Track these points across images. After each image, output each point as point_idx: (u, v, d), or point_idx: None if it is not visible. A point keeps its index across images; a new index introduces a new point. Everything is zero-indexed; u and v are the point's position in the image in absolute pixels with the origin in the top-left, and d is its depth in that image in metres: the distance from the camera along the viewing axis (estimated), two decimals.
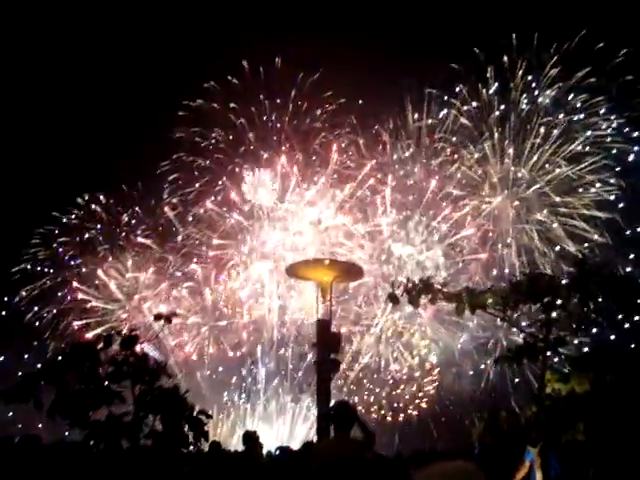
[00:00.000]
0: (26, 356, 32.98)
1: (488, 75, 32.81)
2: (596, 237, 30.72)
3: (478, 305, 16.19)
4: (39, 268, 34.88)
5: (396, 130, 34.15)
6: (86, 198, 35.09)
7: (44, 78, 32.57)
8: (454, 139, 33.54)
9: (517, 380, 25.30)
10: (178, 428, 8.81)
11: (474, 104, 33.03)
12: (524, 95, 32.75)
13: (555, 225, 31.69)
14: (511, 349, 16.18)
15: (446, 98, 33.61)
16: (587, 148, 32.17)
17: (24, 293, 34.41)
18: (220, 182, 35.14)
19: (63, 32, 33.08)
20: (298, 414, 31.84)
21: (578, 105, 32.11)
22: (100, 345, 9.04)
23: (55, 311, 34.62)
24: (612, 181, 31.54)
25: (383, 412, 32.60)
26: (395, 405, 33.14)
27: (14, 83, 32.40)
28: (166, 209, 34.64)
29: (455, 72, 32.64)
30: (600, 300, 15.09)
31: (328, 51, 32.21)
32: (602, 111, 31.89)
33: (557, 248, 31.56)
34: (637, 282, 15.31)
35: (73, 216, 35.21)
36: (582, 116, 32.09)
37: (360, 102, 34.26)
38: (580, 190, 31.91)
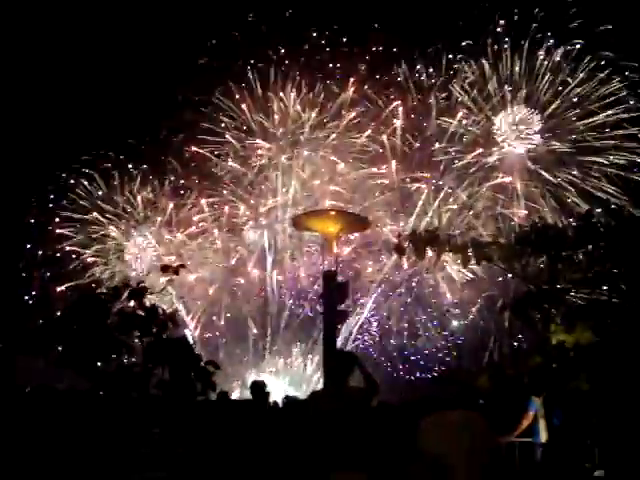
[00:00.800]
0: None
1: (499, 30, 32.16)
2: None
3: (484, 257, 16.21)
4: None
5: (407, 83, 33.67)
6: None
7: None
8: (464, 96, 33.04)
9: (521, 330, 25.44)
10: (186, 378, 8.91)
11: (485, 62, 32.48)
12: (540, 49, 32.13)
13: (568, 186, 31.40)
14: (515, 299, 16.21)
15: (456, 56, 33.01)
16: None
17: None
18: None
19: None
20: (310, 365, 32.12)
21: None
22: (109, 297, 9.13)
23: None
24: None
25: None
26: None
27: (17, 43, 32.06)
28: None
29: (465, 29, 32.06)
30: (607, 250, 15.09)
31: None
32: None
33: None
34: None
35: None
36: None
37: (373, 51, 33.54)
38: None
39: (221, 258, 34.08)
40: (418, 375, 32.75)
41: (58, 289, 32.90)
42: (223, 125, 34.29)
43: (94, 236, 33.92)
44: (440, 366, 31.93)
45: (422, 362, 33.01)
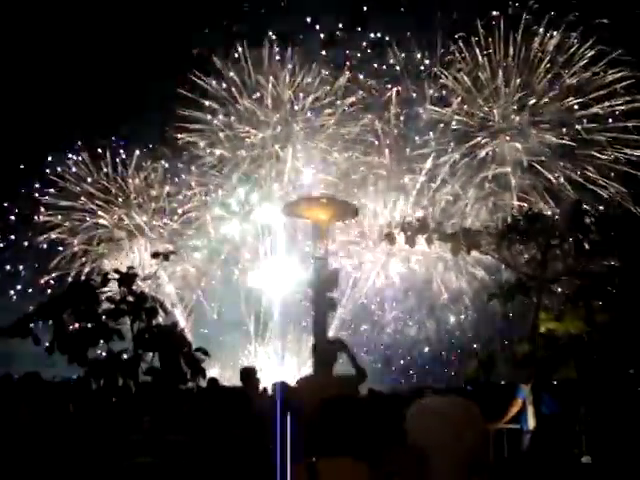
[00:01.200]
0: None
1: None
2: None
3: (474, 245, 16.30)
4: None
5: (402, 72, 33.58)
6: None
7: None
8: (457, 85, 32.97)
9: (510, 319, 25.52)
10: (176, 365, 8.91)
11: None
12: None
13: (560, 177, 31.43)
14: (504, 286, 16.32)
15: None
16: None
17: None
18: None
19: None
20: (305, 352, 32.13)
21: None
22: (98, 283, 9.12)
23: None
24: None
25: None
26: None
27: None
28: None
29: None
30: (595, 239, 15.20)
31: None
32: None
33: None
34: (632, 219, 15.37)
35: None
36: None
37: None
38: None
39: (214, 246, 34.00)
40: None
41: (43, 281, 32.66)
42: (214, 112, 34.11)
43: (84, 225, 33.70)
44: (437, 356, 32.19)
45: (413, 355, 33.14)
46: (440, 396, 6.82)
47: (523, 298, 16.04)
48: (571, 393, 13.00)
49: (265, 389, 14.46)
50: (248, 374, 12.01)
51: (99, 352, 9.06)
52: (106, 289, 9.32)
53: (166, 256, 10.22)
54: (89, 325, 8.69)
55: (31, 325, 8.70)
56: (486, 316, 27.95)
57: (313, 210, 17.34)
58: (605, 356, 13.10)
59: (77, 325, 8.76)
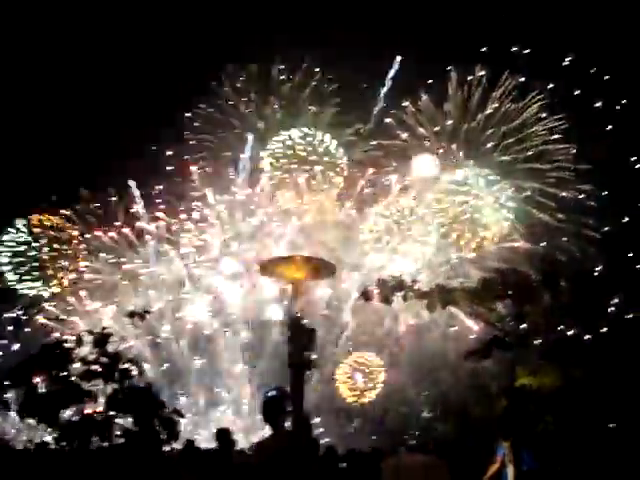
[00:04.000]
0: None
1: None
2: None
3: (450, 302, 16.36)
4: None
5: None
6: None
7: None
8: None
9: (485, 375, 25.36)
10: (150, 427, 8.81)
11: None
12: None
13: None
14: (481, 343, 16.35)
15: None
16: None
17: None
18: None
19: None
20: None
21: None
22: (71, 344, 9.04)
23: None
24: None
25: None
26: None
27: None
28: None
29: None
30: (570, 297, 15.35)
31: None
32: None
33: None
34: (604, 280, 15.60)
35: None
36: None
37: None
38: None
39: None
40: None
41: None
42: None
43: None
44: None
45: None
46: (414, 454, 6.80)
47: (500, 354, 16.07)
48: (549, 449, 12.91)
49: (243, 450, 14.25)
50: (223, 435, 11.83)
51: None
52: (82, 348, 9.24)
53: (142, 315, 10.18)
54: (61, 387, 8.58)
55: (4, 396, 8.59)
56: (463, 373, 27.86)
57: (288, 268, 17.29)
58: (581, 411, 13.09)
59: (49, 387, 8.64)
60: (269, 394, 7.23)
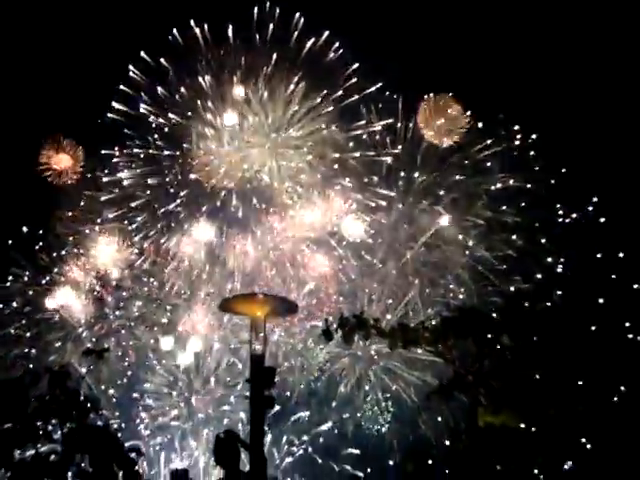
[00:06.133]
0: None
1: None
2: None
3: (411, 341, 16.37)
4: None
5: None
6: None
7: None
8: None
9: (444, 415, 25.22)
10: (107, 468, 8.60)
11: None
12: None
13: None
14: (442, 383, 16.35)
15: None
16: None
17: None
18: None
19: None
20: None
21: None
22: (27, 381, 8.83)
23: None
24: None
25: None
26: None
27: None
28: None
29: None
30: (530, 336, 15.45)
31: None
32: None
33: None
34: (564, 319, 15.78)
35: None
36: None
37: None
38: None
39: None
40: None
41: None
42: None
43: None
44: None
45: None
46: None
47: (460, 395, 16.08)
48: None
49: None
50: (180, 477, 11.66)
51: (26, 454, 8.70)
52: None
53: (100, 354, 10.00)
54: (16, 425, 8.35)
55: None
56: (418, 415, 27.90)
57: (250, 306, 17.17)
58: (545, 450, 13.12)
59: (3, 426, 8.41)
60: (219, 436, 7.18)
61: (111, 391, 32.19)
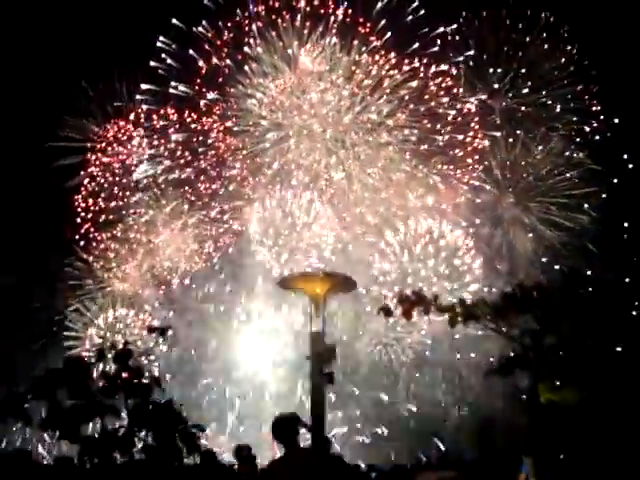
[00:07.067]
0: None
1: None
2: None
3: (471, 316, 16.28)
4: None
5: None
6: None
7: None
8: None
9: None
10: (171, 442, 8.80)
11: None
12: None
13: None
14: (502, 361, 16.25)
15: None
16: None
17: None
18: None
19: None
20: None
21: None
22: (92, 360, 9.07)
23: None
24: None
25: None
26: None
27: None
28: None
29: None
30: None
31: None
32: None
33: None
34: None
35: None
36: None
37: None
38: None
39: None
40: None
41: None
42: None
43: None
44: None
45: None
46: (438, 471, 6.80)
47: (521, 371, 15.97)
48: (573, 465, 12.80)
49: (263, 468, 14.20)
50: (242, 452, 11.83)
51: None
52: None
53: (162, 331, 10.19)
54: (83, 402, 8.60)
55: (25, 405, 8.61)
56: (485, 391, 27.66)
57: (309, 283, 17.29)
58: (605, 426, 12.97)
59: (71, 402, 8.66)
60: (278, 415, 7.30)
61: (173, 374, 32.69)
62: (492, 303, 16.45)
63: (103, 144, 34.04)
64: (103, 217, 33.93)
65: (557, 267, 28.57)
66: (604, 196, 30.35)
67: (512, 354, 15.89)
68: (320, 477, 6.81)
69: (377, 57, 31.79)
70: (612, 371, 14.05)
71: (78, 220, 33.60)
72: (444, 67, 32.02)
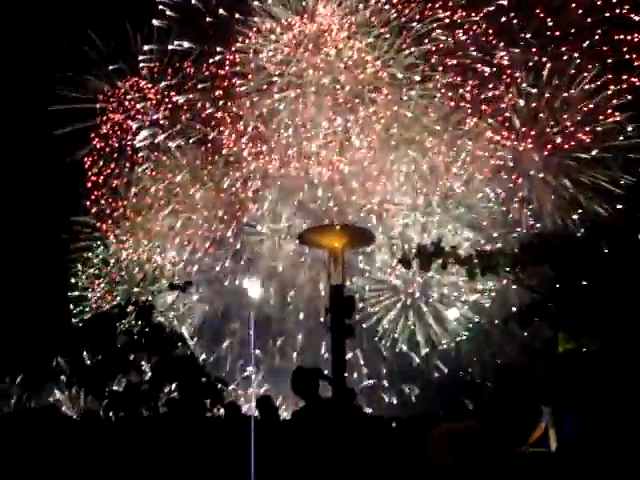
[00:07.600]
0: None
1: None
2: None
3: (489, 267, 16.26)
4: None
5: None
6: None
7: None
8: None
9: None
10: (195, 396, 8.95)
11: None
12: None
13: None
14: (521, 309, 16.23)
15: None
16: None
17: None
18: None
19: None
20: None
21: None
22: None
23: None
24: None
25: None
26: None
27: None
28: None
29: None
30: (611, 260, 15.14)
31: None
32: None
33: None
34: None
35: None
36: None
37: None
38: None
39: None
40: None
41: None
42: None
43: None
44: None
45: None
46: (459, 421, 6.84)
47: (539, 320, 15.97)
48: (594, 413, 12.84)
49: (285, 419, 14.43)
50: (265, 403, 12.00)
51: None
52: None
53: (183, 288, 10.28)
54: (107, 358, 8.73)
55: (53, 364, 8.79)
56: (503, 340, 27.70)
57: (327, 237, 17.35)
58: (625, 374, 12.99)
59: (96, 358, 8.80)
60: (298, 367, 7.36)
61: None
62: (511, 253, 16.40)
63: (114, 104, 33.71)
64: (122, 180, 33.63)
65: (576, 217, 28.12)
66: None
67: (529, 304, 15.87)
68: (338, 427, 6.90)
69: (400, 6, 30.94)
70: (633, 320, 14.01)
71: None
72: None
